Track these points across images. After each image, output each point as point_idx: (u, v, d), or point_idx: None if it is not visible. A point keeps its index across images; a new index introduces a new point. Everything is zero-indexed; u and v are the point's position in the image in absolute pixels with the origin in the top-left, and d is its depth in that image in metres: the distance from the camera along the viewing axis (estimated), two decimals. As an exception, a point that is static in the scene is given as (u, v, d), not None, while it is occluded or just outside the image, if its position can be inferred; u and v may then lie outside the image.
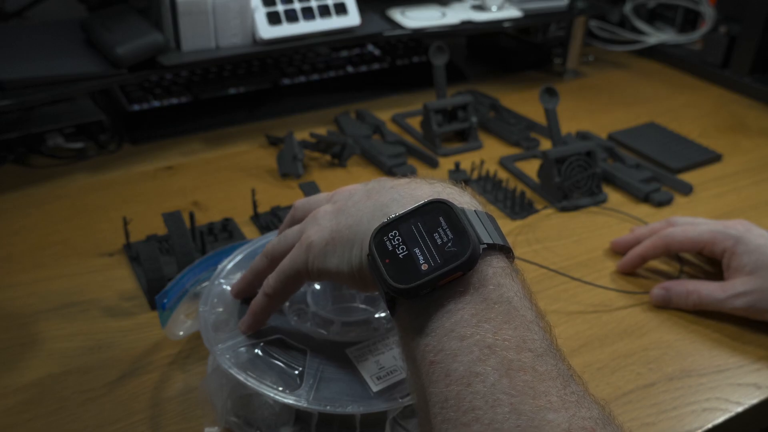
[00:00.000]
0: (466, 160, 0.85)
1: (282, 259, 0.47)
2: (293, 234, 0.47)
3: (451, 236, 0.37)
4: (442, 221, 0.38)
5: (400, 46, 1.11)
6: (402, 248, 0.38)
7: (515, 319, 0.35)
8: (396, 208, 0.40)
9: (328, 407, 0.43)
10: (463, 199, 0.41)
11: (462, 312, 0.36)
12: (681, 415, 0.52)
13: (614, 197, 0.79)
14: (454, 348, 0.35)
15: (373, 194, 0.43)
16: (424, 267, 0.36)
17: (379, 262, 0.38)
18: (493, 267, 0.37)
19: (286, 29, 0.84)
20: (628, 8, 1.21)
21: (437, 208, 0.39)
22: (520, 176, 0.83)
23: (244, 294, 0.51)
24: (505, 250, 0.39)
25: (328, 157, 0.85)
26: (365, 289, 0.44)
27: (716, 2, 1.14)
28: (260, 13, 0.83)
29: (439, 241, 0.37)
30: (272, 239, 0.49)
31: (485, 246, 0.37)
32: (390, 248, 0.38)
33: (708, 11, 1.14)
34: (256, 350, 0.47)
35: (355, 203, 0.44)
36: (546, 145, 0.89)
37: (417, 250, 0.37)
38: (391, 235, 0.38)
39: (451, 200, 0.39)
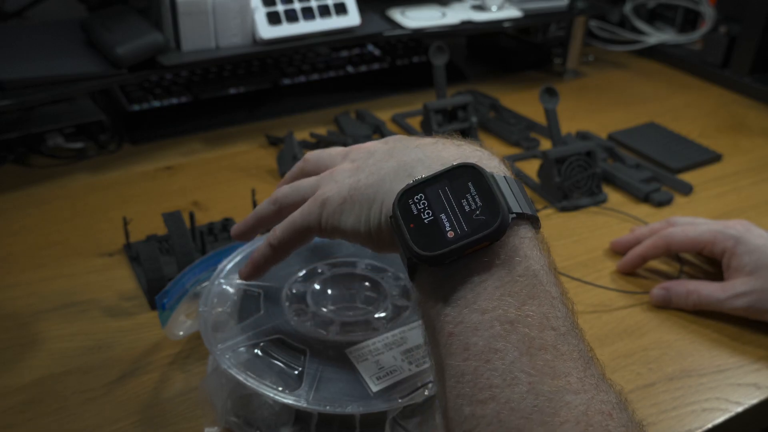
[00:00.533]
0: (466, 160, 0.84)
1: (292, 210, 0.45)
2: (307, 186, 0.45)
3: (479, 203, 0.36)
4: (471, 187, 0.36)
5: (400, 46, 1.11)
6: (428, 213, 0.36)
7: (540, 294, 0.34)
8: (422, 169, 0.39)
9: (327, 407, 0.43)
10: (492, 164, 0.39)
11: (485, 284, 0.34)
12: (681, 415, 0.52)
13: (614, 197, 0.80)
14: (474, 321, 0.34)
15: (396, 153, 0.41)
16: (450, 234, 0.35)
17: (404, 226, 0.36)
18: (521, 237, 0.36)
19: (286, 29, 0.84)
20: (628, 8, 1.21)
21: (466, 172, 0.37)
22: (520, 176, 0.83)
23: (244, 236, 0.49)
24: (533, 219, 0.38)
25: (328, 157, 0.85)
26: (380, 250, 0.42)
27: (716, 2, 1.14)
28: (260, 13, 0.83)
29: (467, 208, 0.36)
30: (283, 187, 0.47)
31: (514, 216, 0.36)
32: (415, 212, 0.36)
33: (708, 11, 1.14)
34: (255, 350, 0.47)
35: (377, 161, 0.42)
36: (546, 145, 0.89)
37: (443, 216, 0.36)
38: (417, 198, 0.37)
39: (480, 165, 0.37)
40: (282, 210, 0.46)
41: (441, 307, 0.35)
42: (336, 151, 0.47)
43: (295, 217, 0.44)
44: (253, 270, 0.47)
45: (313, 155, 0.48)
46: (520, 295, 0.34)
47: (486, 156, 0.40)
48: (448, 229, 0.35)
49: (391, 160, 0.41)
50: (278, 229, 0.45)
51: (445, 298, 0.35)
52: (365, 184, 0.41)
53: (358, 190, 0.41)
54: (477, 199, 0.36)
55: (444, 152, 0.40)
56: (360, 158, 0.43)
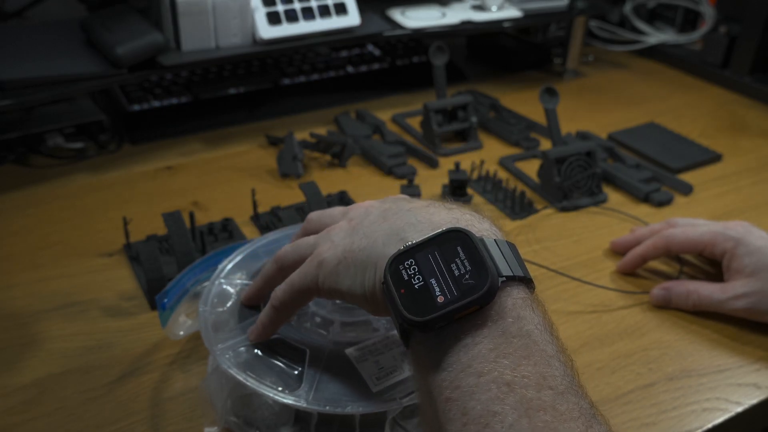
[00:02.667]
0: (466, 160, 0.85)
1: (293, 269, 0.46)
2: (306, 246, 0.46)
3: (468, 267, 0.36)
4: (460, 251, 0.37)
5: (400, 46, 1.11)
6: (418, 278, 0.37)
7: (535, 354, 0.34)
8: (413, 234, 0.39)
9: (327, 407, 0.43)
10: (482, 227, 0.40)
11: (479, 346, 0.35)
12: (681, 415, 0.52)
13: (614, 197, 0.80)
14: (471, 384, 0.34)
15: (389, 216, 0.42)
16: (440, 299, 0.36)
17: (394, 292, 0.37)
18: (513, 298, 0.36)
19: (286, 29, 0.84)
20: (628, 8, 1.21)
21: (455, 237, 0.37)
22: (520, 176, 0.83)
23: (254, 301, 0.50)
24: (526, 281, 0.38)
25: (328, 157, 0.85)
26: (377, 313, 0.43)
27: (716, 2, 1.14)
28: (260, 13, 0.83)
29: (456, 273, 0.36)
30: (285, 246, 0.48)
31: (504, 279, 0.36)
32: (405, 277, 0.37)
33: (708, 11, 1.14)
34: (255, 350, 0.47)
35: (371, 223, 0.42)
36: (546, 145, 0.89)
37: (433, 281, 0.36)
38: (407, 264, 0.37)
39: (469, 228, 0.38)
40: (284, 269, 0.47)
41: (437, 372, 0.35)
42: (337, 210, 0.48)
43: (294, 278, 0.45)
44: (262, 332, 0.47)
45: (315, 215, 0.50)
46: (515, 356, 0.34)
47: (477, 219, 0.41)
48: (438, 294, 0.36)
49: (385, 223, 0.42)
50: (279, 290, 0.46)
51: (440, 362, 0.35)
52: (359, 247, 0.41)
53: (353, 252, 0.42)
54: (466, 263, 0.36)
55: (435, 216, 0.40)
56: (357, 217, 0.44)
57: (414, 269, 0.37)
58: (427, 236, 0.38)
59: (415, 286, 0.37)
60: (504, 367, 0.34)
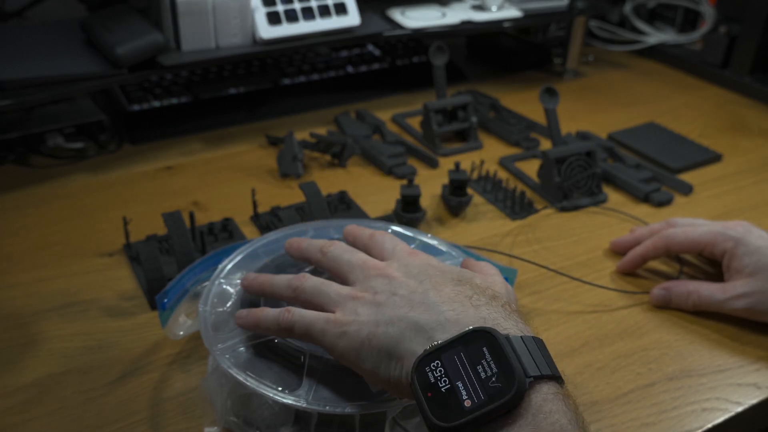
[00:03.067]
0: (466, 160, 0.85)
1: (306, 306, 0.46)
2: (328, 296, 0.46)
3: (495, 370, 0.36)
4: (486, 352, 0.37)
5: (400, 46, 1.11)
6: (444, 381, 0.37)
7: None
8: (440, 334, 0.39)
9: (327, 407, 0.43)
10: (508, 324, 0.40)
11: None
12: (681, 415, 0.52)
13: (614, 197, 0.79)
14: None
15: (416, 304, 0.42)
16: (467, 404, 0.36)
17: (422, 395, 0.37)
18: (544, 394, 0.36)
19: (286, 29, 0.84)
20: (628, 8, 1.21)
21: (482, 337, 0.38)
22: (520, 176, 0.83)
23: (254, 292, 0.50)
24: (555, 378, 0.38)
25: (328, 157, 0.85)
26: (400, 396, 0.43)
27: (716, 2, 1.14)
28: (260, 13, 0.83)
29: (483, 375, 0.36)
30: (308, 280, 0.47)
31: (531, 379, 0.36)
32: (432, 380, 0.37)
33: (708, 11, 1.14)
34: (255, 350, 0.47)
35: (396, 306, 0.42)
36: (546, 145, 0.89)
37: (460, 384, 0.36)
38: (434, 366, 0.38)
39: (495, 327, 0.38)
40: (298, 300, 0.47)
41: None
42: (358, 259, 0.48)
43: (314, 328, 0.44)
44: (252, 327, 0.48)
45: (354, 234, 0.52)
46: None
47: (503, 316, 0.40)
48: (464, 398, 0.36)
49: (411, 312, 0.41)
50: (295, 324, 0.45)
51: None
52: (384, 334, 0.41)
53: (377, 338, 0.42)
54: (492, 365, 0.36)
55: (462, 315, 0.40)
56: (382, 291, 0.44)
57: (440, 371, 0.37)
58: (453, 336, 0.38)
59: (442, 389, 0.37)
60: None
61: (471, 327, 0.39)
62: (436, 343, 0.39)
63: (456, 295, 0.42)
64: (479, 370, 0.36)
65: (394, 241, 0.50)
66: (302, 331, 0.45)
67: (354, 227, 0.53)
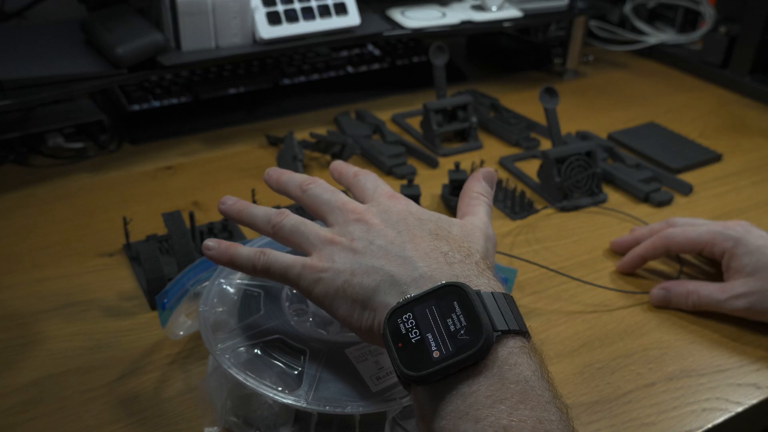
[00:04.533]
0: (466, 160, 0.85)
1: (284, 242, 0.47)
2: (306, 236, 0.46)
3: (464, 323, 0.37)
4: (456, 306, 0.38)
5: (400, 46, 1.11)
6: (415, 332, 0.38)
7: (532, 399, 0.35)
8: (413, 289, 0.40)
9: (327, 407, 0.43)
10: (480, 281, 0.40)
11: (476, 394, 0.35)
12: (681, 415, 0.52)
13: (614, 197, 0.80)
14: (468, 431, 0.34)
15: (392, 255, 0.42)
16: (436, 354, 0.37)
17: (392, 345, 0.38)
18: (510, 348, 0.37)
19: (286, 29, 0.84)
20: (628, 8, 1.21)
21: (453, 291, 0.38)
22: (520, 176, 0.83)
23: (231, 217, 0.50)
24: (522, 333, 0.38)
25: (328, 157, 0.85)
26: (370, 342, 0.44)
27: (716, 2, 1.14)
28: (260, 13, 0.83)
29: (452, 328, 0.37)
30: (287, 217, 0.47)
31: (499, 333, 0.37)
32: (403, 331, 0.38)
33: (708, 11, 1.14)
34: (255, 350, 0.47)
35: (374, 256, 0.43)
36: (546, 145, 0.89)
37: (430, 336, 0.37)
38: (405, 318, 0.39)
39: (467, 282, 0.39)
40: (275, 236, 0.48)
41: (436, 420, 0.36)
42: (337, 199, 0.48)
43: (290, 272, 0.45)
44: (226, 262, 0.47)
45: (340, 170, 0.53)
46: (512, 401, 0.35)
47: (475, 273, 0.41)
48: (434, 348, 0.37)
49: (388, 263, 0.42)
50: (270, 266, 0.45)
51: (439, 411, 0.36)
52: (359, 284, 0.42)
53: (353, 287, 0.42)
54: (462, 319, 0.37)
55: (437, 272, 0.41)
56: (360, 238, 0.44)
57: (412, 323, 0.38)
58: (425, 290, 0.39)
59: (413, 341, 0.38)
60: (500, 412, 0.34)
61: (443, 281, 0.39)
62: (409, 296, 0.39)
63: (432, 251, 0.42)
64: (449, 323, 0.37)
65: (377, 183, 0.50)
66: (278, 274, 0.45)
67: (340, 163, 0.54)
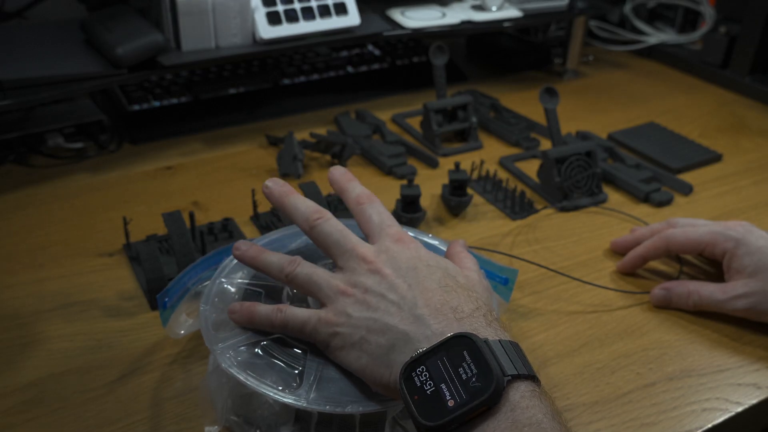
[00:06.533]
0: (466, 160, 0.85)
1: (300, 289, 0.49)
2: (318, 285, 0.47)
3: (475, 371, 0.39)
4: (466, 355, 0.39)
5: (400, 46, 1.11)
6: (429, 384, 0.39)
7: None
8: (425, 344, 0.42)
9: (327, 407, 0.43)
10: (487, 332, 0.42)
11: None
12: (681, 415, 0.52)
13: (614, 197, 0.80)
14: None
15: (405, 316, 0.43)
16: (451, 403, 0.38)
17: (409, 399, 0.40)
18: (520, 392, 0.38)
19: (286, 29, 0.84)
20: (628, 8, 1.21)
21: (461, 342, 0.40)
22: (520, 176, 0.83)
23: (245, 263, 0.51)
24: (531, 378, 0.40)
25: (328, 157, 0.85)
26: (387, 395, 0.45)
27: (716, 2, 1.14)
28: (260, 13, 0.83)
29: (464, 376, 0.39)
30: (301, 266, 0.48)
31: (509, 378, 0.38)
32: (418, 384, 0.40)
33: (708, 11, 1.14)
34: (256, 350, 0.47)
35: (386, 313, 0.44)
36: (546, 145, 0.89)
37: (443, 386, 0.39)
38: (419, 371, 0.40)
39: (474, 332, 0.41)
40: (290, 284, 0.49)
41: None
42: (348, 242, 0.48)
43: (305, 325, 0.47)
44: (245, 323, 0.49)
45: (338, 178, 0.54)
46: None
47: (482, 325, 0.43)
48: (448, 398, 0.39)
49: (402, 322, 0.43)
50: (288, 322, 0.47)
51: None
52: (375, 343, 0.44)
53: (369, 344, 0.44)
54: (472, 367, 0.39)
55: (447, 329, 0.42)
56: (372, 291, 0.45)
57: (425, 376, 0.40)
58: (434, 343, 0.41)
59: (428, 392, 0.39)
60: None
61: (451, 333, 0.41)
62: (421, 350, 0.41)
63: (442, 306, 0.44)
64: (460, 372, 0.39)
65: (381, 215, 0.51)
66: (296, 330, 0.47)
67: (339, 173, 0.55)
